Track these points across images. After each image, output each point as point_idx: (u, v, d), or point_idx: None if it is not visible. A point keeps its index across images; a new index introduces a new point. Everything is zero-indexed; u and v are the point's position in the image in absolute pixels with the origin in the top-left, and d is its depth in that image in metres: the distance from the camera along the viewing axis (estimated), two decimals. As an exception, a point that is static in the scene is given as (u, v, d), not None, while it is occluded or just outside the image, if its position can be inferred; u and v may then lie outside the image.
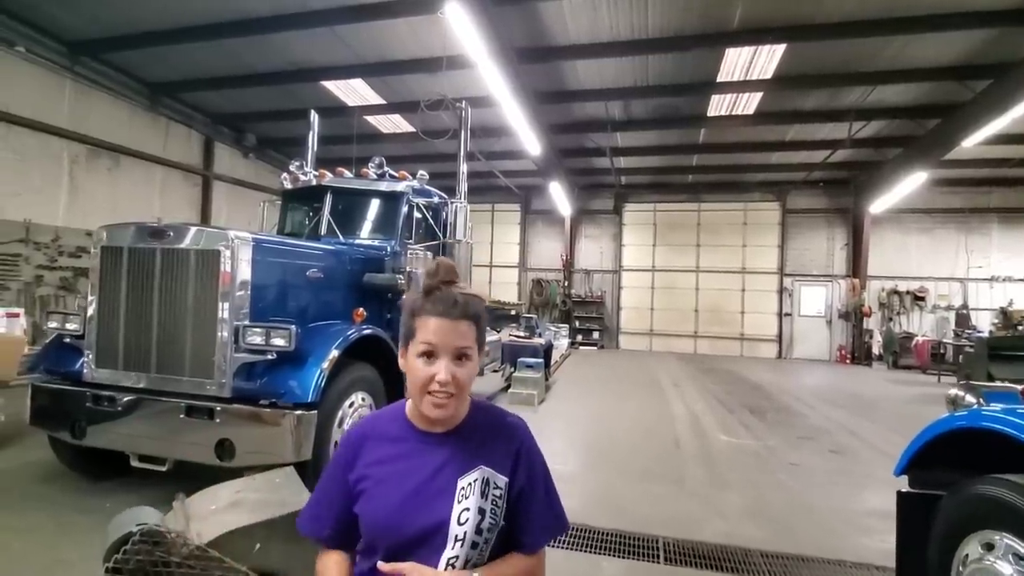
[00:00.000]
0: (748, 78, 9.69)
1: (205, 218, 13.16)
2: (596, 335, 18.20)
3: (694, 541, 3.77)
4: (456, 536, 1.11)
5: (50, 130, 9.49)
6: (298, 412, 3.57)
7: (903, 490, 2.57)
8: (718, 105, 11.03)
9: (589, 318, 18.34)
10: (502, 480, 1.20)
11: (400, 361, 1.20)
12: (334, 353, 3.81)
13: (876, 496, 4.67)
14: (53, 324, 4.16)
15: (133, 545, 1.35)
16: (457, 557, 1.11)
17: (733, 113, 11.39)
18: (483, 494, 1.15)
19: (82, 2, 8.09)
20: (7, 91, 8.68)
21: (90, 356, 3.93)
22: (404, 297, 1.27)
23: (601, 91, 10.44)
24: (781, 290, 17.28)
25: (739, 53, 8.78)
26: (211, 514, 1.67)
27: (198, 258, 3.74)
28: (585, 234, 18.99)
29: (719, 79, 9.78)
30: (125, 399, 3.78)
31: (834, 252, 17.00)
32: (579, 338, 18.05)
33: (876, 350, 15.83)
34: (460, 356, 1.14)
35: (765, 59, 8.93)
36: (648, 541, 3.76)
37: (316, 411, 3.65)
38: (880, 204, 14.73)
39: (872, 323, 16.19)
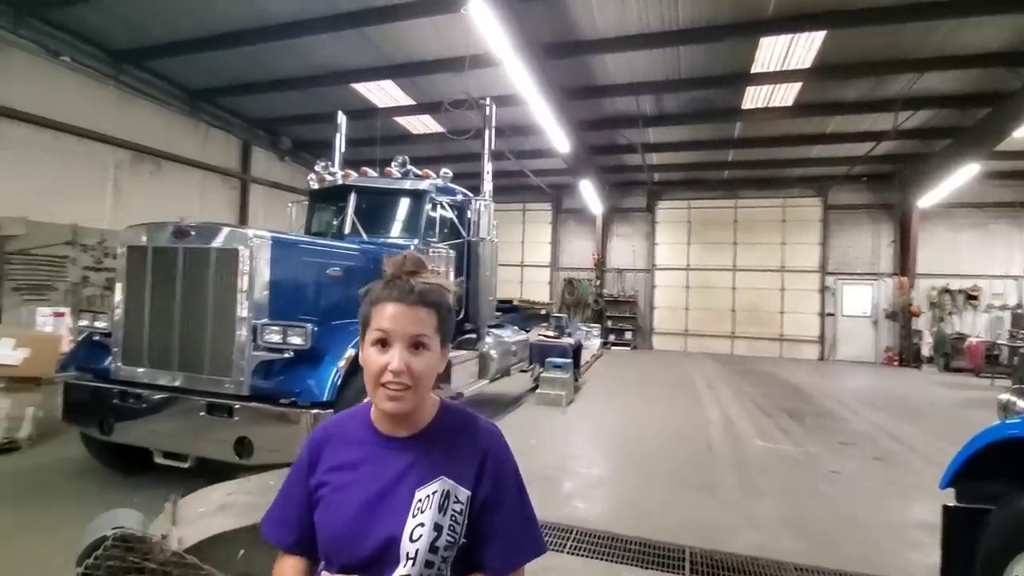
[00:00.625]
0: (785, 68, 9.28)
1: (243, 220, 13.51)
2: (629, 335, 17.87)
3: (723, 552, 3.57)
4: (407, 554, 1.02)
5: (95, 136, 9.89)
6: (314, 411, 3.55)
7: (949, 504, 2.35)
8: (754, 97, 10.62)
9: (622, 318, 18.02)
10: (463, 493, 1.08)
11: (360, 355, 1.10)
12: (351, 352, 3.77)
13: (924, 507, 4.34)
14: (83, 323, 4.28)
15: (105, 550, 1.29)
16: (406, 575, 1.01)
17: (770, 105, 10.95)
18: (441, 508, 1.05)
19: (125, 12, 8.38)
20: (54, 99, 9.07)
21: (117, 354, 4.02)
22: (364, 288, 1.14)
23: (631, 85, 10.20)
24: (823, 289, 16.57)
25: (775, 42, 8.40)
26: (198, 517, 1.61)
27: (218, 257, 3.77)
28: (617, 232, 18.68)
29: (754, 70, 9.40)
30: (149, 396, 3.84)
31: (880, 249, 16.19)
32: (611, 338, 17.76)
33: (926, 352, 14.97)
34: (416, 345, 1.05)
35: (803, 47, 8.53)
36: (674, 551, 3.59)
37: (332, 410, 3.62)
38: (928, 198, 13.93)
39: (921, 323, 15.34)
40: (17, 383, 5.13)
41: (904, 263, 15.53)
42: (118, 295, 4.06)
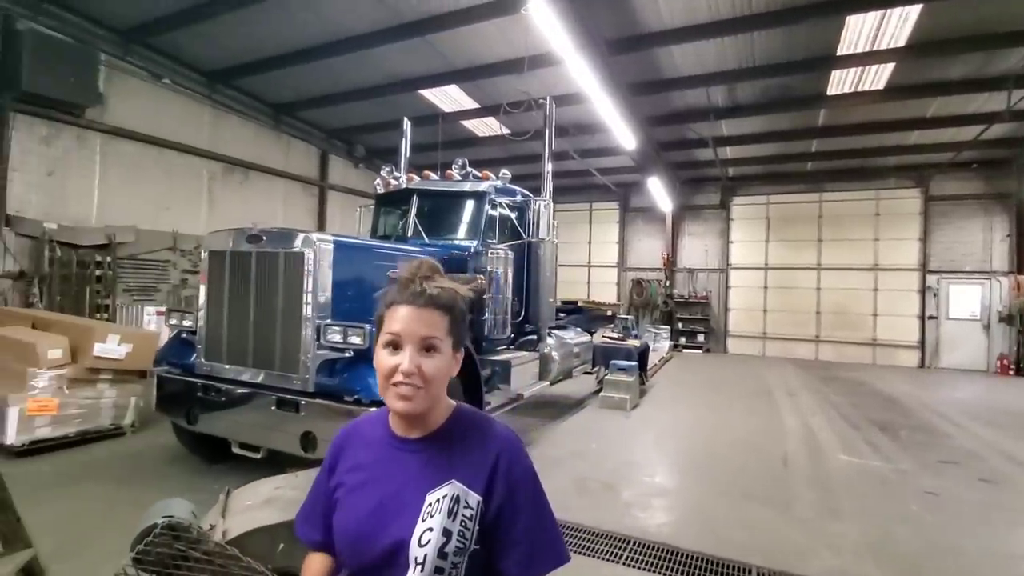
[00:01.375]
0: (876, 48, 8.49)
1: (321, 225, 14.27)
2: (701, 338, 17.13)
3: (794, 574, 3.32)
4: (416, 558, 1.01)
5: (193, 151, 10.82)
6: (374, 409, 3.65)
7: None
8: (840, 82, 9.81)
9: (693, 320, 17.32)
10: (474, 498, 1.06)
11: (374, 357, 1.12)
12: (407, 352, 3.85)
13: (1041, 539, 3.83)
14: (173, 321, 4.67)
15: (155, 537, 1.38)
16: None
17: (859, 90, 10.07)
18: (451, 513, 1.03)
19: (216, 36, 9.09)
20: (157, 119, 10.02)
21: (200, 350, 4.35)
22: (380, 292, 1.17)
23: (701, 77, 9.74)
24: (924, 289, 15.04)
25: (863, 19, 7.71)
26: (245, 510, 1.69)
27: (286, 260, 3.98)
28: (688, 231, 17.96)
29: (840, 52, 8.68)
30: (229, 390, 4.12)
31: (992, 244, 14.46)
32: (682, 340, 17.12)
33: (1050, 360, 13.24)
34: (428, 347, 1.06)
35: (896, 23, 7.77)
36: (739, 570, 3.38)
37: (390, 409, 3.71)
38: (1055, 186, 12.32)
39: (1045, 328, 13.58)
40: (122, 375, 5.70)
41: (1022, 260, 13.81)
42: (201, 296, 4.39)
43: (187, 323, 4.60)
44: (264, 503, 1.72)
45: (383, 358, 1.07)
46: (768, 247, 16.80)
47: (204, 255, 4.39)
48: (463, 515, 1.04)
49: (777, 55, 8.92)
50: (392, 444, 1.13)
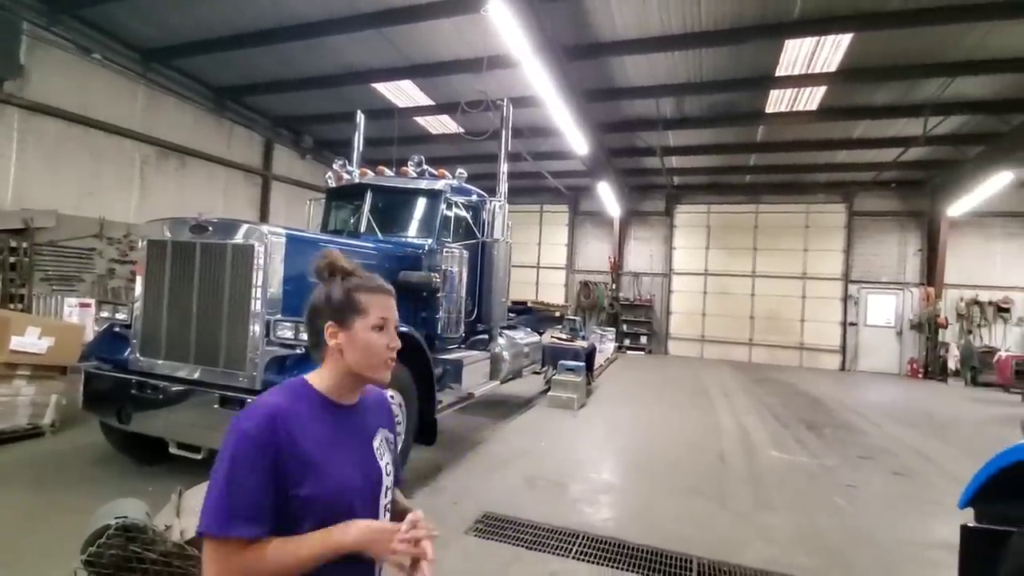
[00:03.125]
0: (811, 71, 9.10)
1: (264, 216, 13.71)
2: (644, 340, 17.72)
3: (731, 564, 3.52)
4: (387, 486, 1.32)
5: (123, 132, 10.12)
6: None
7: (969, 524, 2.28)
8: (778, 101, 10.44)
9: (637, 322, 17.87)
10: (391, 436, 1.41)
11: (335, 338, 1.25)
12: (361, 350, 3.79)
13: (945, 526, 4.22)
14: (104, 314, 4.38)
15: (108, 539, 1.31)
16: (389, 502, 1.34)
17: (794, 109, 10.75)
18: (389, 450, 1.37)
19: (153, 11, 8.56)
20: (85, 95, 9.32)
21: (136, 345, 4.10)
22: (325, 282, 1.29)
23: (652, 88, 10.10)
24: (846, 298, 16.22)
25: (800, 44, 8.25)
26: (199, 510, 1.62)
27: (234, 253, 3.82)
28: (635, 236, 18.53)
29: (779, 73, 9.24)
30: (166, 388, 3.91)
31: (906, 258, 15.79)
32: (626, 342, 17.63)
33: (952, 365, 14.55)
34: (396, 326, 1.33)
35: (829, 50, 8.35)
36: (681, 561, 3.54)
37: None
38: (959, 207, 13.53)
39: (948, 335, 14.92)
40: (42, 371, 5.28)
41: (931, 272, 15.13)
42: (138, 288, 4.15)
43: (120, 316, 4.32)
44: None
45: (374, 339, 1.26)
46: (708, 254, 17.59)
47: (141, 244, 4.14)
48: (391, 449, 1.38)
49: (723, 72, 9.37)
50: (340, 412, 1.28)
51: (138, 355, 4.09)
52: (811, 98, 10.19)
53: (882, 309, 16.01)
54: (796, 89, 9.80)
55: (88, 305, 8.45)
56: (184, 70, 10.82)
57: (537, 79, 7.81)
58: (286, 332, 3.68)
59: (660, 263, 18.15)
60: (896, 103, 10.24)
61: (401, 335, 4.43)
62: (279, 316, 3.78)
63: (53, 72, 8.80)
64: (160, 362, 4.03)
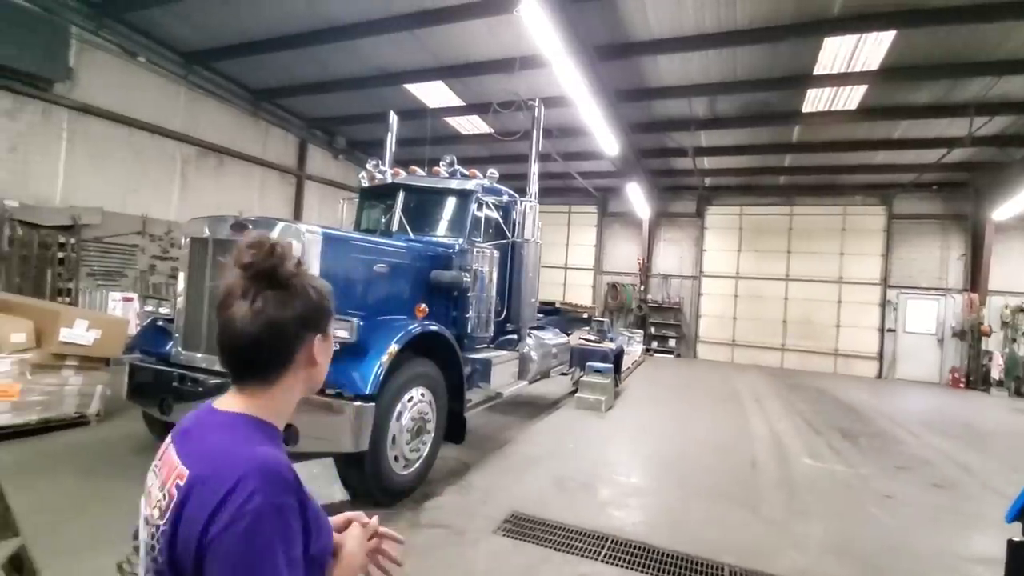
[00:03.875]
0: (850, 70, 8.84)
1: (298, 215, 14.01)
2: (672, 343, 17.48)
3: (764, 572, 3.45)
4: None
5: (166, 133, 10.48)
6: (357, 403, 3.64)
7: (1016, 539, 2.19)
8: (815, 100, 10.17)
9: (666, 325, 17.65)
10: None
11: (319, 355, 1.06)
12: (393, 347, 3.85)
13: (985, 540, 4.07)
14: (149, 308, 4.54)
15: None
16: None
17: (832, 109, 10.46)
18: None
19: (196, 15, 8.84)
20: (130, 97, 9.68)
21: (178, 339, 4.24)
22: (312, 276, 1.07)
23: (684, 88, 9.96)
24: (884, 303, 15.71)
25: (840, 42, 8.03)
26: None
27: (272, 250, 3.91)
28: (664, 237, 18.30)
29: (816, 72, 9.00)
30: (206, 381, 4.03)
31: (948, 263, 15.20)
32: (654, 345, 17.43)
33: (996, 374, 13.94)
34: None
35: (871, 48, 8.11)
36: (712, 568, 3.49)
37: (374, 403, 3.71)
38: (1005, 210, 12.95)
39: (992, 344, 14.30)
40: (88, 362, 5.50)
41: (975, 278, 14.53)
42: (180, 284, 4.28)
43: (164, 310, 4.48)
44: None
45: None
46: (740, 256, 17.25)
47: (184, 241, 4.28)
48: None
49: (758, 71, 9.19)
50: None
51: (180, 349, 4.23)
52: (850, 97, 9.90)
53: (922, 315, 15.44)
54: (835, 88, 9.53)
55: (131, 299, 8.78)
56: (223, 72, 11.13)
57: (568, 79, 7.79)
58: (321, 329, 3.75)
59: (690, 265, 17.88)
60: (939, 103, 9.88)
61: (431, 334, 4.49)
62: (314, 313, 3.85)
63: (100, 74, 9.16)
64: (200, 355, 4.15)
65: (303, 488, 0.92)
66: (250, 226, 4.00)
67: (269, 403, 1.01)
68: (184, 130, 10.83)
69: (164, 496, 0.92)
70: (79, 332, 5.33)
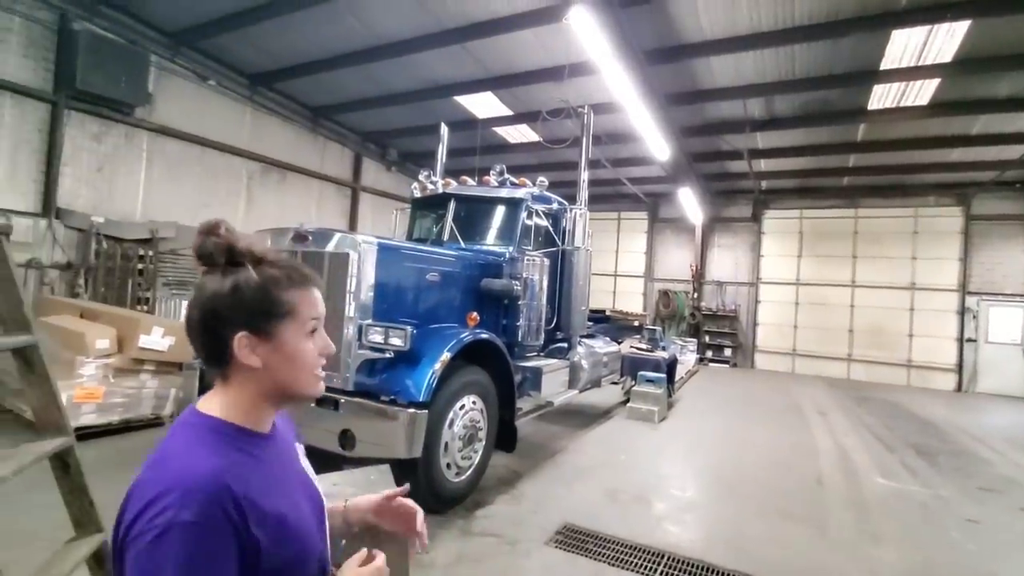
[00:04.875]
0: (921, 63, 8.31)
1: (353, 226, 14.50)
2: (728, 352, 16.88)
3: (834, 598, 3.25)
4: (325, 505, 1.15)
5: (233, 151, 11.11)
6: (411, 410, 3.70)
7: None
8: (882, 96, 9.62)
9: (721, 333, 17.07)
10: (302, 445, 1.19)
11: (252, 354, 0.95)
12: (446, 355, 3.90)
13: (1095, 576, 3.67)
14: (218, 316, 4.78)
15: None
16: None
17: (901, 105, 9.87)
18: (308, 461, 1.17)
19: (260, 40, 9.35)
20: (202, 118, 10.33)
21: (244, 346, 4.44)
22: (222, 269, 0.99)
23: (738, 88, 9.65)
24: (963, 311, 14.59)
25: (909, 35, 7.57)
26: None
27: (331, 260, 4.06)
28: (718, 243, 17.75)
29: (883, 67, 8.52)
30: (268, 386, 4.21)
31: (1037, 267, 13.99)
32: (708, 354, 16.89)
33: (1099, 390, 12.69)
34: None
35: (943, 39, 7.60)
36: (776, 589, 3.32)
37: (427, 411, 3.76)
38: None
39: (1093, 356, 13.02)
40: (163, 367, 5.87)
41: (1069, 284, 13.30)
42: (246, 293, 4.49)
43: (231, 318, 4.71)
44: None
45: (309, 348, 1.01)
46: (800, 262, 16.49)
47: (250, 253, 4.50)
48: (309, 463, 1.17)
49: (818, 68, 8.80)
50: (267, 445, 1.01)
51: (245, 355, 4.43)
52: (921, 92, 9.31)
53: (1007, 324, 14.23)
54: (904, 83, 8.99)
55: (201, 307, 9.30)
56: (285, 92, 11.70)
57: (618, 85, 7.72)
58: (376, 336, 3.85)
59: (746, 272, 17.25)
60: (1022, 94, 9.14)
61: (482, 342, 4.53)
62: (370, 321, 3.97)
63: (175, 98, 9.82)
64: (264, 362, 4.34)
65: (245, 502, 0.84)
66: (310, 237, 4.17)
67: (232, 402, 0.97)
68: (250, 147, 11.43)
69: None
70: (156, 339, 5.70)
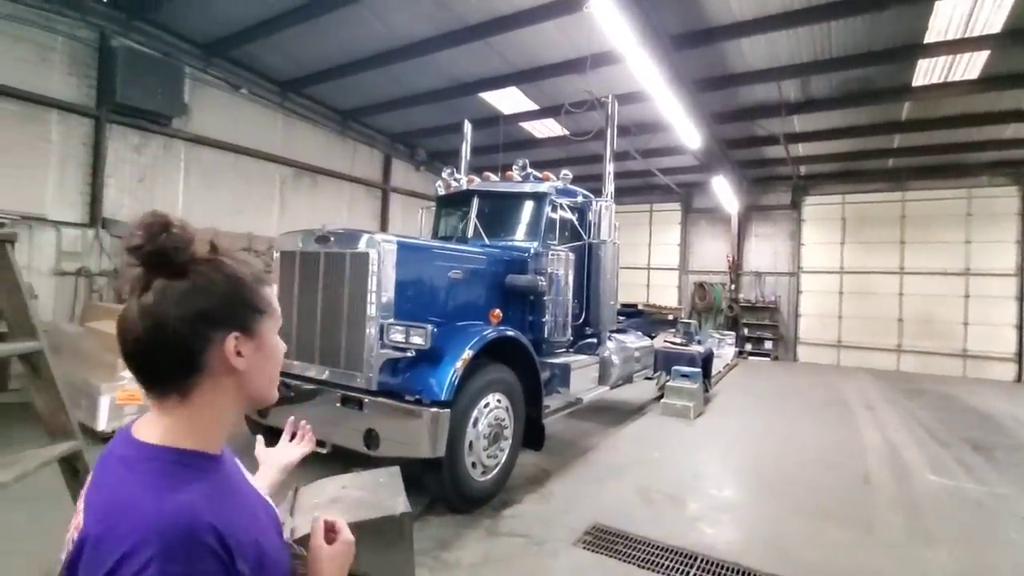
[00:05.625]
0: (968, 35, 7.79)
1: (383, 226, 14.68)
2: (768, 345, 16.33)
3: (880, 604, 3.06)
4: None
5: (267, 157, 11.39)
6: (433, 409, 3.68)
7: None
8: (927, 72, 9.07)
9: (760, 325, 16.53)
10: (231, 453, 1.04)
11: (239, 357, 0.87)
12: (468, 353, 3.86)
13: None
14: (247, 318, 4.88)
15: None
16: None
17: (949, 80, 9.29)
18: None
19: (288, 46, 9.52)
20: (235, 126, 10.62)
21: (272, 347, 4.52)
22: (237, 260, 0.92)
23: (772, 70, 9.27)
24: (1022, 297, 13.70)
25: (954, 4, 7.09)
26: (312, 508, 1.71)
27: (352, 260, 4.07)
28: (755, 232, 17.18)
29: (927, 40, 8.03)
30: (298, 386, 4.27)
31: (1108, 248, 12.98)
32: (748, 347, 16.39)
33: None
34: None
35: (991, 9, 7.08)
36: (816, 594, 3.15)
37: (450, 409, 3.73)
38: None
39: None
40: (201, 369, 6.04)
41: None
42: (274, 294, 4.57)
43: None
44: (330, 502, 1.74)
45: (279, 345, 0.97)
46: (844, 249, 15.80)
47: (276, 255, 4.57)
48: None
49: (857, 45, 8.37)
50: (224, 465, 0.91)
51: (274, 356, 4.51)
52: (970, 65, 8.72)
53: (1074, 310, 13.29)
54: (951, 57, 8.45)
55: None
56: (314, 97, 11.91)
57: (644, 73, 7.51)
58: (398, 336, 3.85)
59: (786, 261, 16.65)
60: (1086, 61, 8.46)
61: (506, 339, 4.48)
62: (392, 320, 3.96)
63: (209, 107, 10.12)
64: (292, 362, 4.40)
65: (229, 538, 0.76)
66: (332, 238, 4.19)
67: (190, 424, 0.85)
68: (282, 153, 11.69)
69: (68, 544, 0.78)
70: (192, 341, 5.86)
